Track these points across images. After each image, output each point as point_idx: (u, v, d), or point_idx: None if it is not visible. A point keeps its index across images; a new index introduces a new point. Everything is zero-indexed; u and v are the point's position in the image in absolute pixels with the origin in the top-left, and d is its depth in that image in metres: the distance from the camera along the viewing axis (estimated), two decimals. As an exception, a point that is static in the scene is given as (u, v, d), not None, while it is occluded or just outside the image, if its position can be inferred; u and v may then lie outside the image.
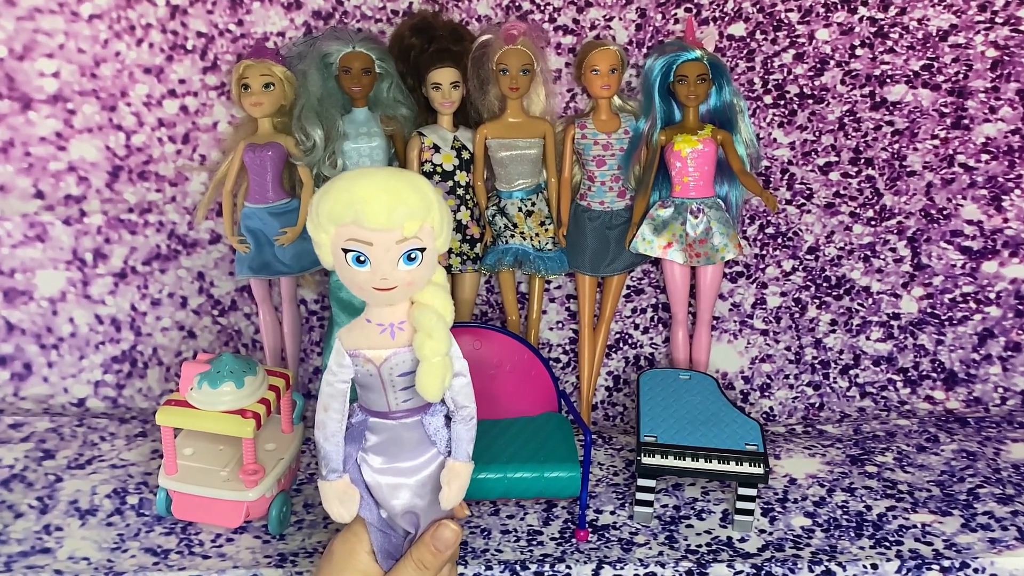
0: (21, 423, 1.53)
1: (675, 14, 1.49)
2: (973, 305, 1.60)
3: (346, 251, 0.84)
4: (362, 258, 0.83)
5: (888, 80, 1.51)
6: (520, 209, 1.50)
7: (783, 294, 1.60)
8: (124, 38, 1.48)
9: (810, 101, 1.52)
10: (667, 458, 1.29)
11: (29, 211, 1.55)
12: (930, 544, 1.26)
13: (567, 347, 1.62)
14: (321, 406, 0.93)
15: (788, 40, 1.50)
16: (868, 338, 1.61)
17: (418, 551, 0.97)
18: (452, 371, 0.92)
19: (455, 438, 0.97)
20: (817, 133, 1.54)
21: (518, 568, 1.21)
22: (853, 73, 1.51)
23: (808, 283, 1.60)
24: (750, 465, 1.28)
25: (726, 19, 1.49)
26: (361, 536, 0.98)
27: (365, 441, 0.96)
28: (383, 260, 0.83)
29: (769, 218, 1.57)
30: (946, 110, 1.53)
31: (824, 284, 1.60)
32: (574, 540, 1.28)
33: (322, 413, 0.93)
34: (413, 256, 0.84)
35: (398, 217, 0.82)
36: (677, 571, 1.22)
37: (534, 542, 1.27)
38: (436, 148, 1.48)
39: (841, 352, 1.62)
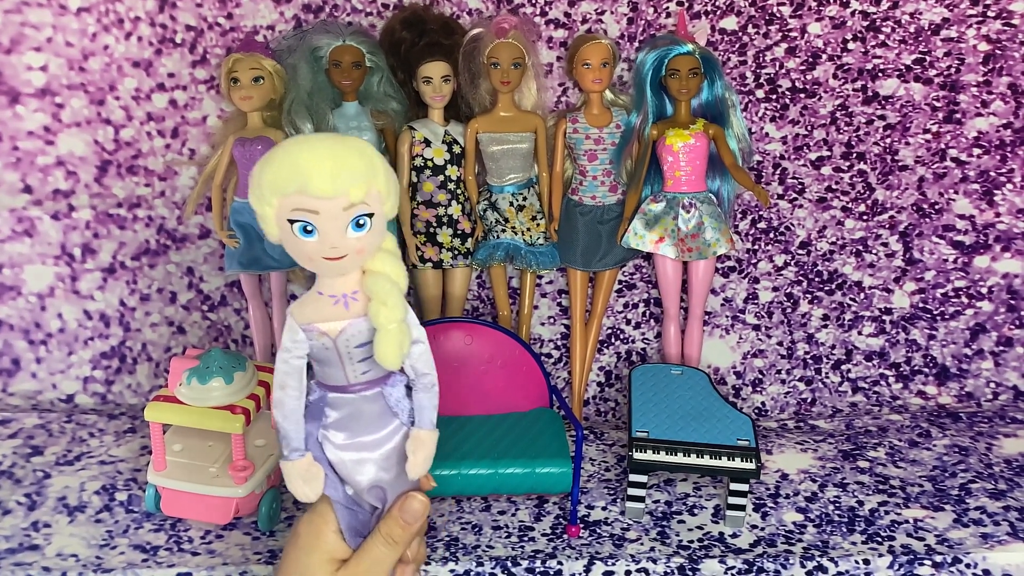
0: (9, 419, 1.52)
1: (667, 8, 1.48)
2: (965, 300, 1.60)
3: (292, 222, 0.82)
4: (309, 228, 0.81)
5: (880, 74, 1.51)
6: (511, 204, 1.49)
7: (775, 289, 1.60)
8: (112, 31, 1.47)
9: (802, 95, 1.52)
10: (659, 453, 1.29)
11: (17, 206, 1.54)
12: (922, 539, 1.26)
13: (559, 342, 1.62)
14: (277, 384, 0.91)
15: (780, 34, 1.49)
16: (860, 333, 1.61)
17: (386, 525, 0.94)
18: (410, 338, 0.90)
19: (418, 406, 0.95)
20: (809, 127, 1.53)
21: (509, 564, 1.21)
22: (845, 67, 1.51)
23: (800, 278, 1.59)
24: (742, 460, 1.27)
25: (718, 13, 1.48)
26: (327, 515, 0.95)
27: (325, 418, 0.93)
28: (331, 228, 0.82)
29: (761, 213, 1.57)
30: (938, 104, 1.52)
31: (816, 279, 1.59)
32: (565, 536, 1.27)
33: (279, 392, 0.91)
34: (361, 222, 0.82)
35: (343, 183, 0.80)
36: (669, 567, 1.22)
37: (525, 538, 1.27)
38: (427, 142, 1.47)
39: (833, 347, 1.62)
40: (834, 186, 1.56)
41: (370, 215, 0.83)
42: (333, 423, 0.93)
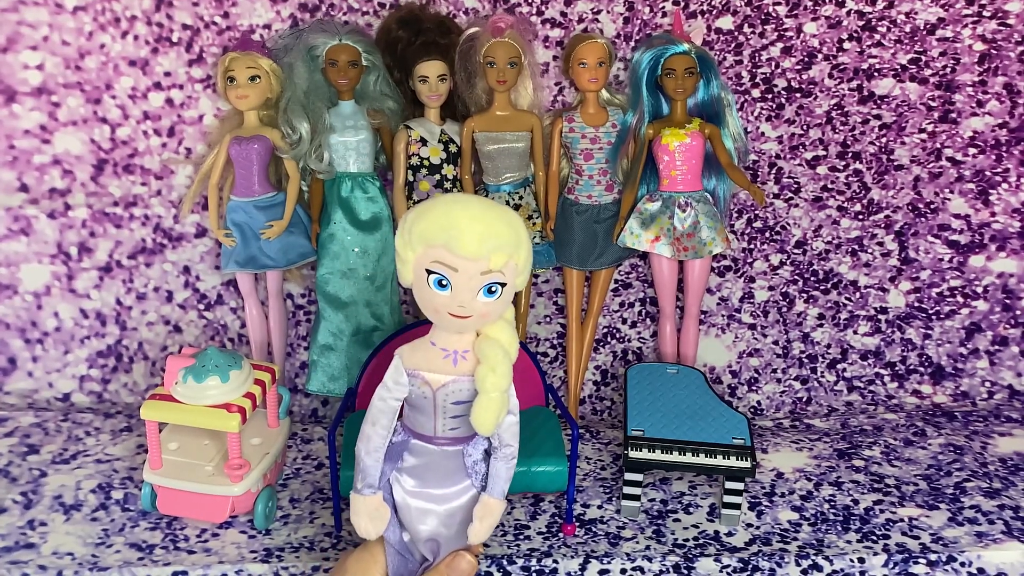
0: (5, 418, 1.52)
1: (663, 7, 1.48)
2: (960, 299, 1.60)
3: (429, 272, 0.86)
4: (444, 282, 0.85)
5: (876, 74, 1.51)
6: (508, 203, 1.49)
7: (771, 288, 1.60)
8: (109, 30, 1.47)
9: (798, 95, 1.52)
10: (654, 452, 1.29)
11: (13, 205, 1.54)
12: (917, 538, 1.26)
13: (555, 341, 1.62)
14: (369, 420, 0.94)
15: (776, 34, 1.49)
16: (855, 332, 1.61)
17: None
18: (507, 407, 0.93)
19: (493, 474, 0.97)
20: (805, 127, 1.54)
21: (505, 562, 1.21)
22: (841, 67, 1.51)
23: (796, 277, 1.60)
24: (737, 459, 1.27)
25: (714, 12, 1.48)
26: (378, 557, 0.98)
27: (402, 461, 0.97)
28: (464, 288, 0.85)
29: (757, 212, 1.57)
30: (934, 104, 1.53)
31: (812, 278, 1.60)
32: (561, 534, 1.27)
33: (369, 427, 0.94)
34: (493, 289, 0.86)
35: (488, 248, 0.84)
36: (664, 565, 1.22)
37: (521, 536, 1.27)
38: (423, 141, 1.47)
39: (829, 346, 1.62)
40: (830, 185, 1.56)
41: (503, 284, 0.87)
42: (408, 468, 0.96)
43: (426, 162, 1.48)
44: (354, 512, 0.96)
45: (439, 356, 0.91)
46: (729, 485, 1.28)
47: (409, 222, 0.86)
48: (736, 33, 1.49)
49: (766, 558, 1.23)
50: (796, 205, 1.57)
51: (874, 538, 1.26)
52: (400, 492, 0.97)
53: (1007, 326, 1.61)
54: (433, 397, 0.92)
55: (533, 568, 1.21)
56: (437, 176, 1.49)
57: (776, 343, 1.62)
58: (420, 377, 0.92)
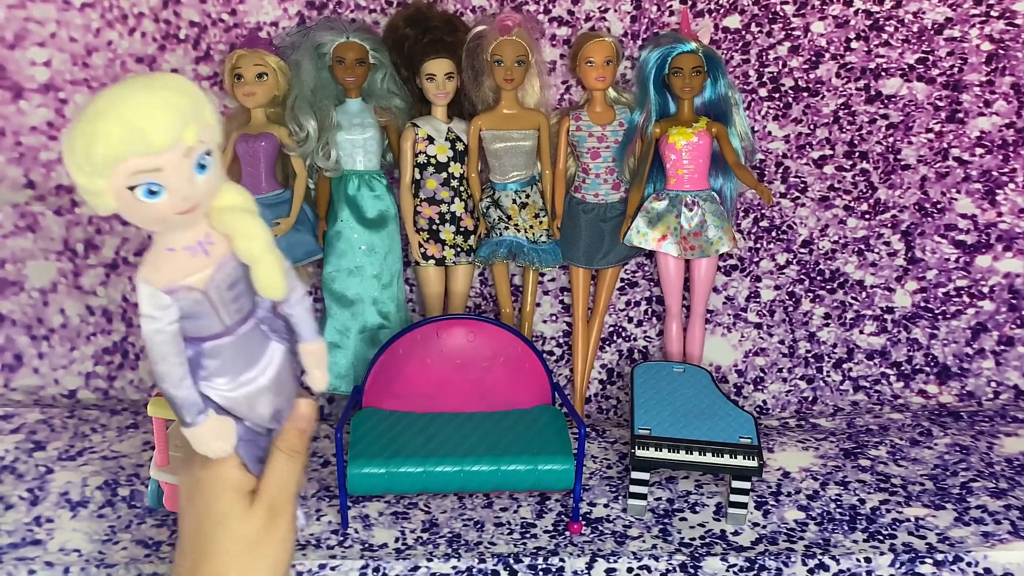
0: (11, 414, 1.52)
1: (670, 6, 1.48)
2: (967, 299, 1.60)
3: (133, 187, 0.72)
4: (155, 189, 0.72)
5: (883, 73, 1.51)
6: (514, 201, 1.49)
7: (777, 287, 1.60)
8: (116, 27, 1.47)
9: (805, 94, 1.52)
10: (661, 451, 1.29)
11: (20, 201, 1.54)
12: (923, 538, 1.26)
13: (561, 340, 1.62)
14: (157, 358, 0.82)
15: (783, 33, 1.49)
16: (862, 332, 1.61)
17: (283, 440, 0.89)
18: (283, 257, 0.82)
19: (299, 321, 0.88)
20: (812, 126, 1.53)
21: (511, 561, 1.21)
22: (848, 66, 1.51)
23: (802, 276, 1.59)
24: (744, 458, 1.27)
25: (721, 11, 1.48)
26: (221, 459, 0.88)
27: (202, 370, 0.86)
28: (178, 180, 0.72)
29: (763, 211, 1.57)
30: (941, 104, 1.52)
31: (818, 278, 1.59)
32: (568, 533, 1.27)
33: (161, 365, 0.83)
34: (204, 163, 0.74)
35: (177, 128, 0.71)
36: (671, 564, 1.22)
37: (528, 535, 1.27)
38: (430, 139, 1.47)
39: (835, 346, 1.62)
40: (836, 185, 1.56)
41: (208, 152, 0.74)
42: (212, 372, 0.86)
43: (433, 160, 1.48)
44: (200, 444, 0.85)
45: (186, 257, 0.79)
46: (736, 484, 1.28)
47: (80, 150, 0.71)
48: (743, 32, 1.49)
49: (772, 557, 1.23)
50: (803, 204, 1.57)
51: (880, 538, 1.26)
52: (218, 396, 0.86)
53: (1013, 326, 1.61)
54: (206, 297, 0.81)
55: (539, 567, 1.21)
56: (444, 174, 1.49)
57: (782, 342, 1.62)
58: (181, 287, 0.80)
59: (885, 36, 1.49)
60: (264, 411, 0.88)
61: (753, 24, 1.49)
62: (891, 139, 1.54)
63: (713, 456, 1.28)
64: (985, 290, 1.60)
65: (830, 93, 1.52)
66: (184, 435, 0.86)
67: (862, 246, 1.58)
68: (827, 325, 1.61)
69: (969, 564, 1.22)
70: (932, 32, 1.49)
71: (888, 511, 1.32)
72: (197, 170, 0.73)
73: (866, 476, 1.40)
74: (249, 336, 0.86)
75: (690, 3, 1.48)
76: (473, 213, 1.52)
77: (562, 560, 1.22)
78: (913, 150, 1.55)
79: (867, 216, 1.57)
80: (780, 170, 1.55)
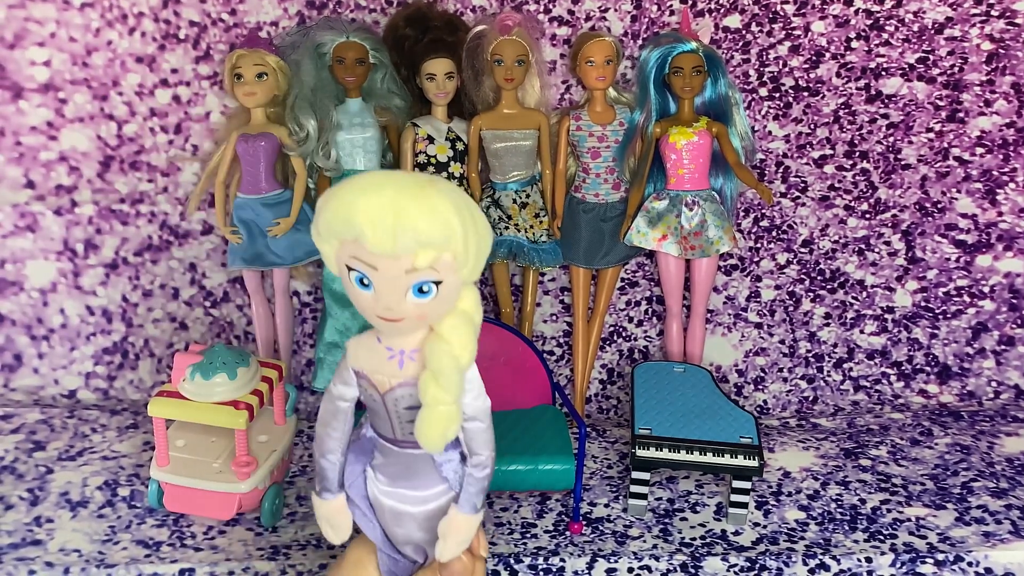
0: (11, 415, 1.52)
1: (670, 5, 1.48)
2: (967, 299, 1.60)
3: (350, 268, 0.72)
4: (366, 281, 0.72)
5: (883, 73, 1.51)
6: (514, 201, 1.49)
7: (777, 287, 1.60)
8: (116, 27, 1.47)
9: (805, 94, 1.52)
10: (661, 451, 1.29)
11: (20, 201, 1.54)
12: (924, 538, 1.26)
13: (561, 340, 1.62)
14: (321, 421, 0.84)
15: (784, 32, 1.49)
16: (862, 332, 1.61)
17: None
18: (458, 421, 0.78)
19: (465, 485, 0.84)
20: (812, 126, 1.53)
21: (512, 561, 1.21)
22: (848, 66, 1.51)
23: (802, 276, 1.59)
24: (744, 458, 1.27)
25: (721, 11, 1.48)
26: (371, 551, 0.89)
27: (373, 458, 0.86)
28: (388, 289, 0.71)
29: (764, 211, 1.57)
30: (941, 103, 1.52)
31: (818, 277, 1.59)
32: (568, 533, 1.27)
33: (320, 428, 0.84)
34: (425, 289, 0.71)
35: (406, 245, 0.69)
36: (671, 564, 1.22)
37: (528, 535, 1.27)
38: (430, 139, 1.47)
39: (835, 345, 1.62)
40: (837, 184, 1.56)
41: (437, 282, 0.72)
42: (379, 465, 0.85)
43: (433, 160, 1.48)
44: (317, 516, 0.87)
45: (384, 356, 0.77)
46: (736, 484, 1.28)
47: (318, 210, 0.72)
48: (744, 32, 1.49)
49: (773, 557, 1.22)
50: (803, 204, 1.57)
51: (881, 538, 1.26)
52: (373, 489, 0.86)
53: (1014, 326, 1.61)
54: (383, 401, 0.80)
55: (540, 566, 1.21)
56: (444, 174, 1.49)
57: (783, 342, 1.62)
58: (366, 379, 0.79)
59: (885, 36, 1.49)
60: (400, 533, 0.87)
61: (753, 23, 1.49)
62: (891, 139, 1.54)
63: (714, 456, 1.28)
64: (985, 290, 1.59)
65: (830, 93, 1.52)
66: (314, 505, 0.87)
67: (862, 246, 1.58)
68: (827, 325, 1.61)
69: (970, 564, 1.22)
70: (932, 31, 1.49)
71: (889, 511, 1.32)
72: (415, 292, 0.71)
73: (867, 476, 1.40)
74: (419, 461, 0.84)
75: (690, 3, 1.48)
76: (473, 213, 1.52)
77: (563, 560, 1.22)
78: (913, 150, 1.54)
79: (867, 216, 1.57)
80: (780, 170, 1.55)
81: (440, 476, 0.85)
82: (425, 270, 0.70)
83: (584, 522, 1.29)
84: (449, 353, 0.75)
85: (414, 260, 0.70)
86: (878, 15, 1.49)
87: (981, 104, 1.52)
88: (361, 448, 0.87)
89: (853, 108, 1.53)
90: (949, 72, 1.51)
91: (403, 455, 0.84)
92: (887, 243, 1.58)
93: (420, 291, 0.71)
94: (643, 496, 1.31)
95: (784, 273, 1.59)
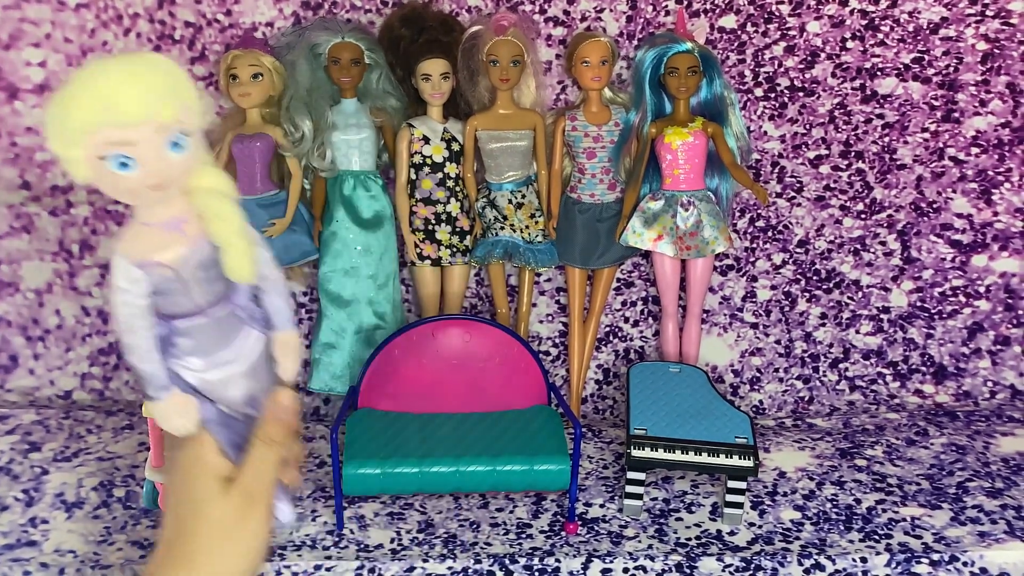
0: (7, 415, 1.52)
1: (666, 6, 1.48)
2: (963, 299, 1.60)
3: (103, 158, 0.73)
4: (126, 161, 0.73)
5: (879, 73, 1.51)
6: (510, 201, 1.49)
7: (773, 287, 1.60)
8: (111, 27, 1.47)
9: (801, 94, 1.52)
10: (657, 451, 1.29)
11: (15, 202, 1.54)
12: (919, 537, 1.26)
13: (557, 340, 1.62)
14: (126, 329, 0.83)
15: (779, 32, 1.49)
16: (858, 332, 1.61)
17: (262, 429, 0.89)
18: (254, 244, 0.83)
19: (274, 310, 0.88)
20: (808, 126, 1.53)
21: (507, 561, 1.21)
22: (844, 66, 1.51)
23: (798, 276, 1.59)
24: (740, 458, 1.27)
25: (717, 11, 1.48)
26: (204, 439, 0.88)
27: (174, 348, 0.86)
28: (151, 155, 0.74)
29: (759, 211, 1.57)
30: (936, 103, 1.53)
31: (814, 277, 1.60)
32: (564, 533, 1.27)
33: (129, 336, 0.83)
34: (178, 142, 0.74)
35: (152, 104, 0.72)
36: (667, 564, 1.22)
37: (523, 535, 1.27)
38: (426, 140, 1.47)
39: (831, 345, 1.62)
40: (832, 185, 1.56)
41: (186, 133, 0.75)
42: (186, 351, 0.86)
43: (428, 160, 1.48)
44: (162, 420, 0.86)
45: (161, 233, 0.80)
46: (732, 484, 1.28)
47: (57, 118, 0.73)
48: (739, 32, 1.49)
49: (768, 557, 1.23)
50: (799, 204, 1.57)
51: (876, 537, 1.26)
52: (191, 376, 0.87)
53: (1009, 326, 1.61)
54: (178, 275, 0.82)
55: (535, 567, 1.21)
56: (440, 174, 1.49)
57: (778, 342, 1.62)
58: (154, 263, 0.80)
59: (881, 36, 1.50)
60: (237, 395, 0.88)
61: (749, 24, 1.49)
62: (887, 139, 1.54)
63: (709, 456, 1.28)
64: (981, 290, 1.60)
65: (826, 93, 1.52)
66: (149, 409, 0.86)
67: (858, 246, 1.58)
68: (823, 325, 1.61)
69: (965, 564, 1.22)
70: (928, 31, 1.49)
71: (884, 511, 1.32)
72: (172, 148, 0.74)
73: (862, 476, 1.40)
74: (224, 320, 0.87)
75: (686, 3, 1.48)
76: (469, 213, 1.52)
77: (558, 560, 1.22)
78: (909, 150, 1.55)
79: (863, 216, 1.57)
80: (776, 170, 1.55)
81: (243, 323, 0.88)
82: (173, 123, 0.73)
83: (580, 522, 1.29)
84: (217, 192, 0.80)
85: (160, 117, 0.73)
86: (873, 15, 1.49)
87: (976, 104, 1.52)
88: (160, 350, 0.87)
89: (848, 108, 1.53)
90: (944, 72, 1.51)
91: (209, 322, 0.86)
92: (883, 243, 1.58)
93: (176, 146, 0.75)
94: (638, 496, 1.31)
95: (780, 273, 1.59)
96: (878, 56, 1.50)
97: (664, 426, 1.32)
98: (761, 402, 1.62)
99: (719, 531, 1.28)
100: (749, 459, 1.27)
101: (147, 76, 0.73)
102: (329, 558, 1.21)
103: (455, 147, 1.48)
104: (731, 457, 1.28)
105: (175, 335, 0.86)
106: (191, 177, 0.79)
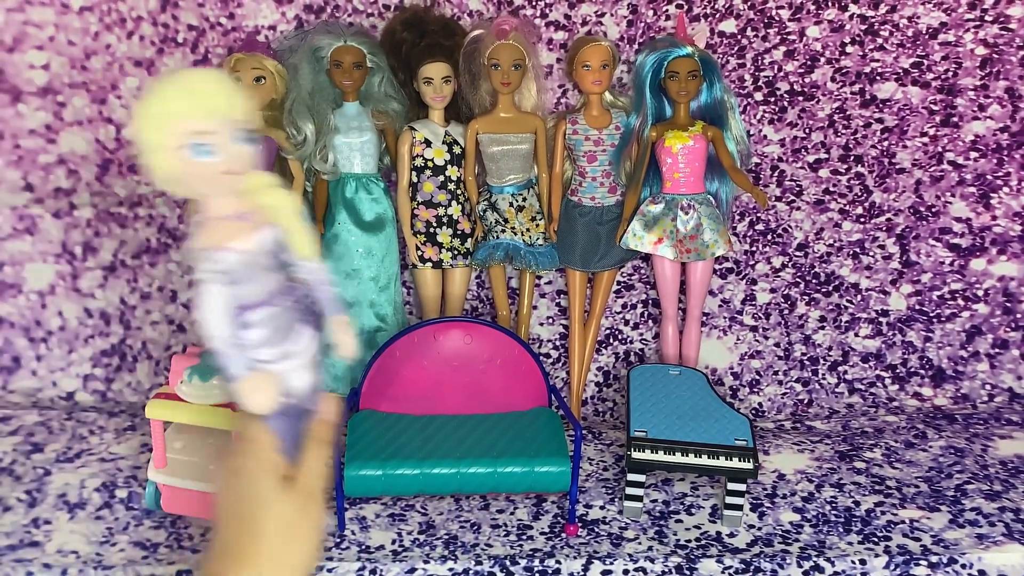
0: (9, 416, 1.53)
1: (666, 10, 1.49)
2: (961, 302, 1.61)
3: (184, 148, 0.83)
4: (208, 149, 0.83)
5: (878, 78, 1.52)
6: (511, 204, 1.50)
7: (772, 290, 1.61)
8: (115, 31, 1.48)
9: (800, 98, 1.53)
10: (657, 453, 1.29)
11: (18, 204, 1.55)
12: (918, 540, 1.27)
13: (557, 342, 1.63)
14: (211, 321, 0.88)
15: (779, 37, 1.50)
16: (857, 335, 1.62)
17: (317, 429, 0.94)
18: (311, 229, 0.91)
19: (324, 301, 0.94)
20: (807, 130, 1.54)
21: (508, 563, 1.22)
22: (843, 70, 1.51)
23: (797, 280, 1.60)
24: (739, 460, 1.28)
25: (717, 16, 1.49)
26: (265, 438, 0.91)
27: (247, 340, 0.91)
28: (226, 145, 0.84)
29: (759, 214, 1.57)
30: (936, 108, 1.53)
31: (813, 281, 1.60)
32: (564, 535, 1.28)
33: (215, 328, 0.88)
34: (245, 139, 0.85)
35: (230, 102, 0.84)
36: (666, 566, 1.22)
37: (524, 536, 1.27)
38: (427, 143, 1.48)
39: (830, 348, 1.62)
40: (832, 188, 1.57)
41: (249, 132, 0.86)
42: (257, 343, 0.91)
43: (430, 163, 1.49)
44: (245, 398, 0.89)
45: (233, 223, 0.88)
46: (731, 486, 1.29)
47: (152, 108, 0.83)
48: (739, 36, 1.50)
49: (768, 559, 1.23)
50: (798, 208, 1.57)
51: (875, 540, 1.27)
52: (262, 368, 0.91)
53: (1007, 329, 1.61)
54: (253, 260, 0.88)
55: (536, 568, 1.22)
56: (441, 177, 1.49)
57: (778, 345, 1.62)
58: (232, 249, 0.87)
59: (880, 40, 1.50)
60: (299, 385, 0.93)
61: (749, 28, 1.50)
62: (886, 143, 1.55)
63: (709, 458, 1.28)
64: (980, 293, 1.60)
65: (825, 97, 1.53)
66: (232, 391, 0.90)
67: (857, 249, 1.59)
68: (822, 328, 1.62)
69: (963, 566, 1.23)
70: (927, 36, 1.50)
71: (883, 513, 1.32)
72: (242, 142, 0.84)
73: (861, 478, 1.40)
74: (288, 312, 0.92)
75: (686, 8, 1.48)
76: (470, 216, 1.53)
77: (558, 562, 1.22)
78: (908, 154, 1.55)
79: (862, 220, 1.58)
80: (775, 174, 1.56)
81: (303, 320, 0.93)
82: (241, 122, 0.84)
83: (580, 524, 1.30)
84: (268, 183, 0.88)
85: (235, 114, 0.84)
86: (873, 20, 1.49)
87: (975, 108, 1.53)
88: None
89: (848, 112, 1.53)
90: (943, 77, 1.52)
91: (277, 312, 0.91)
92: (882, 247, 1.59)
93: (242, 141, 0.84)
94: (638, 498, 1.31)
95: (779, 276, 1.60)
96: (877, 61, 1.51)
97: (664, 428, 1.33)
98: (760, 404, 1.63)
99: (719, 533, 1.29)
100: (748, 461, 1.28)
101: (224, 83, 0.84)
102: (331, 559, 1.22)
103: (456, 150, 1.49)
104: (731, 459, 1.28)
105: (248, 328, 0.91)
106: (247, 177, 0.87)
